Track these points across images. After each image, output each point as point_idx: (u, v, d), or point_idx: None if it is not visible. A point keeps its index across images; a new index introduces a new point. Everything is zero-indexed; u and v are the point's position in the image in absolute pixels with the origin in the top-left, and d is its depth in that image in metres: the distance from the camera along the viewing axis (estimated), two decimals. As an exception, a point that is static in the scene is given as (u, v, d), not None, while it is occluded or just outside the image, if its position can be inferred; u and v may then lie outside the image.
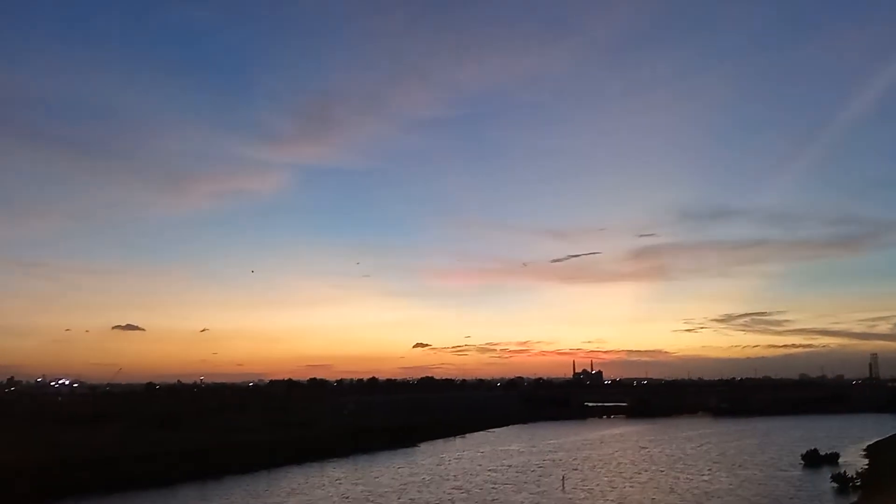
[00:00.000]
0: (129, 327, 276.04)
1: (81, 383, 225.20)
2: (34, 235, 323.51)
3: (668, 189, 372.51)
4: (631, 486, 51.27)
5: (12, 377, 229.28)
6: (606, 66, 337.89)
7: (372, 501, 45.58)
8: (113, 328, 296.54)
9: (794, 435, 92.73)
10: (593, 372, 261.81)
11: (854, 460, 62.38)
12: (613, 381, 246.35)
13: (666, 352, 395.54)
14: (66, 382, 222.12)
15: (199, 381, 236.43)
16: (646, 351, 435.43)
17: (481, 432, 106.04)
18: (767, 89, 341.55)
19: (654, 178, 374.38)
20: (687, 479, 54.90)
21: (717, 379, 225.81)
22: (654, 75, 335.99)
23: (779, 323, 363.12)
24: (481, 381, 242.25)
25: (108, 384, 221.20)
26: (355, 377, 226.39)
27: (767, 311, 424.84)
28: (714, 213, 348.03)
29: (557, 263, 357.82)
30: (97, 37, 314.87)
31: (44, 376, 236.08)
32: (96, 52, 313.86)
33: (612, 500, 45.22)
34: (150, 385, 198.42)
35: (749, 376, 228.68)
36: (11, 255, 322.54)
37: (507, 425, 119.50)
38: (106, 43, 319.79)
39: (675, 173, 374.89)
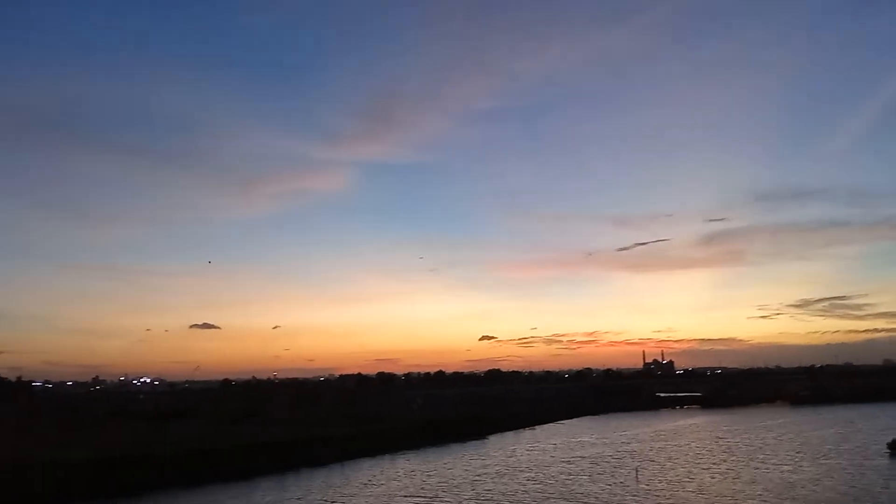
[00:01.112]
0: (206, 326, 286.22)
1: (162, 381, 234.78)
2: (114, 241, 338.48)
3: (739, 170, 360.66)
4: (710, 477, 49.93)
5: (97, 376, 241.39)
6: (670, 46, 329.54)
7: (447, 492, 45.79)
8: (191, 327, 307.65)
9: (878, 423, 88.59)
10: (664, 362, 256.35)
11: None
12: (686, 370, 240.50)
13: (740, 340, 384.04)
14: (148, 380, 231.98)
15: (272, 377, 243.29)
16: (719, 339, 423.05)
17: (550, 424, 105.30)
18: (841, 62, 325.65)
19: (724, 159, 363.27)
20: (768, 469, 53.11)
21: (795, 367, 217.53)
22: (720, 52, 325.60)
23: (860, 307, 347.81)
24: (548, 372, 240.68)
25: (187, 381, 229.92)
26: (422, 370, 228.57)
27: (847, 294, 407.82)
28: (789, 193, 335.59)
29: (624, 252, 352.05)
30: (166, 47, 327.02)
31: (126, 375, 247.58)
32: (166, 62, 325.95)
33: (690, 491, 44.13)
34: (227, 381, 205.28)
35: (829, 363, 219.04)
36: (93, 260, 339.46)
37: (577, 417, 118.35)
38: (174, 53, 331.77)
39: (747, 154, 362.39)
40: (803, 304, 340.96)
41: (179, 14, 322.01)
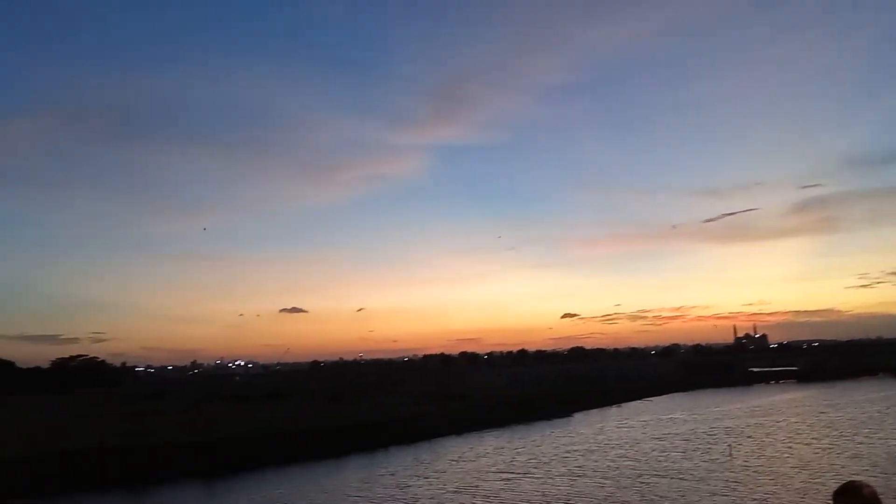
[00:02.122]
0: (295, 310, 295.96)
1: (255, 363, 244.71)
2: (201, 230, 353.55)
3: (832, 134, 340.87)
4: (811, 452, 47.97)
5: (195, 360, 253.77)
6: (749, 8, 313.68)
7: (538, 469, 45.81)
8: (280, 311, 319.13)
9: None
10: (757, 336, 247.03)
11: None
12: (780, 344, 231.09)
13: (838, 311, 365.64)
14: (242, 363, 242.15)
15: (358, 358, 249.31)
16: (815, 311, 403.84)
17: (637, 401, 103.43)
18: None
19: (814, 123, 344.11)
20: (873, 443, 50.50)
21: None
22: (804, 12, 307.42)
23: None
24: (634, 349, 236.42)
25: (278, 363, 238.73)
26: (505, 350, 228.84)
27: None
28: (888, 156, 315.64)
29: (710, 223, 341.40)
30: (246, 42, 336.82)
31: (222, 358, 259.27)
32: (240, 54, 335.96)
33: (791, 467, 42.52)
34: (316, 363, 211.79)
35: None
36: (187, 249, 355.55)
37: (666, 394, 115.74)
38: (253, 47, 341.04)
39: (839, 116, 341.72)
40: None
41: (254, 8, 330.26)
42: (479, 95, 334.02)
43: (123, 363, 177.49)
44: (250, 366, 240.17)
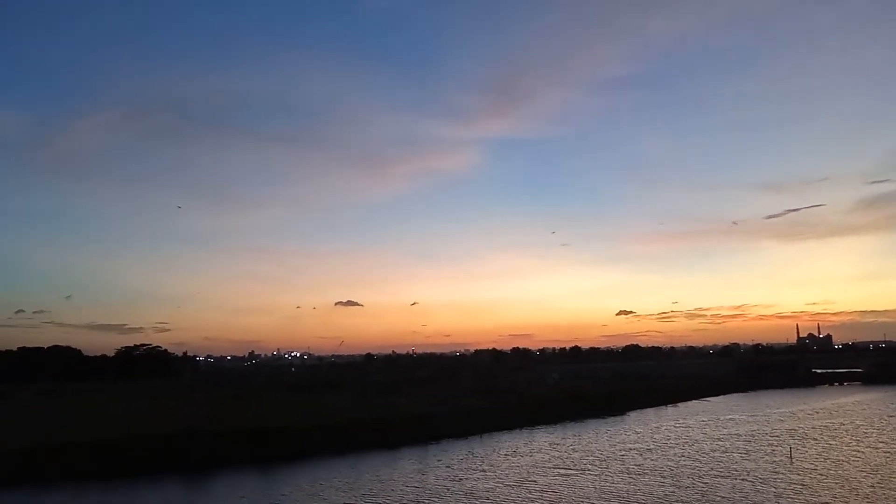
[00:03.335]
0: (350, 303, 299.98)
1: (310, 355, 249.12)
2: (264, 225, 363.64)
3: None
4: (881, 457, 45.99)
5: (252, 351, 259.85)
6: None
7: (596, 466, 45.18)
8: (335, 304, 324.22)
9: None
10: (821, 336, 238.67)
11: None
12: (845, 345, 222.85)
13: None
14: (297, 354, 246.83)
15: (411, 352, 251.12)
16: (883, 311, 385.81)
17: (694, 401, 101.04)
18: None
19: (881, 117, 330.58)
20: (950, 451, 48.14)
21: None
22: (868, 4, 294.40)
23: None
24: (691, 348, 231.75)
25: (333, 355, 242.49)
26: (557, 346, 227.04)
27: None
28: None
29: (773, 220, 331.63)
30: (302, 39, 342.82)
31: (279, 349, 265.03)
32: (294, 49, 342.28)
33: (858, 471, 40.82)
34: (369, 356, 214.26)
35: None
36: (246, 243, 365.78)
37: (724, 394, 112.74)
38: (309, 44, 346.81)
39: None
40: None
41: (310, 5, 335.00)
42: (534, 89, 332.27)
43: (185, 352, 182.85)
44: (306, 357, 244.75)
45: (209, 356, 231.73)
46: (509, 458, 49.58)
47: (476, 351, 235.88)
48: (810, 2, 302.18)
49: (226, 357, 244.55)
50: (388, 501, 36.32)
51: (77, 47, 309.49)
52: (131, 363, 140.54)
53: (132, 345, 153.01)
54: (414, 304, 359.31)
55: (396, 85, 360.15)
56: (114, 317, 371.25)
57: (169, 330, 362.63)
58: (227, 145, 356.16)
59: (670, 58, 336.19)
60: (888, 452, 48.02)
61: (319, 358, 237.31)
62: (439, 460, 48.93)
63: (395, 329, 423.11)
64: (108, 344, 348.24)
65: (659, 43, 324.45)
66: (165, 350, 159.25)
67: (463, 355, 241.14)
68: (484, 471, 44.32)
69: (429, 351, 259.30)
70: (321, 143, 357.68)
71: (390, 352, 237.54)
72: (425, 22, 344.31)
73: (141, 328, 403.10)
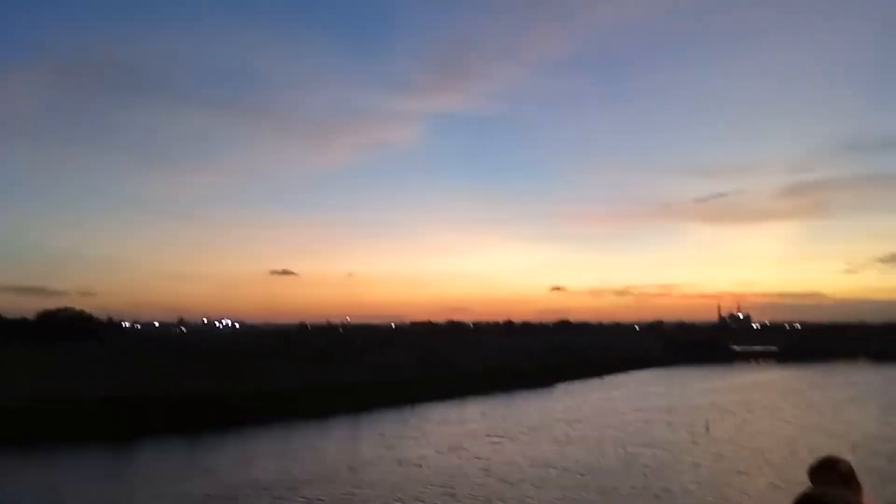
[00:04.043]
0: (285, 272, 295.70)
1: (243, 323, 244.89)
2: (199, 191, 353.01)
3: (826, 120, 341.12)
4: (792, 430, 48.88)
5: (182, 318, 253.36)
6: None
7: (527, 434, 46.34)
8: (271, 273, 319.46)
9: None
10: (741, 315, 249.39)
11: None
12: (763, 325, 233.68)
13: (823, 294, 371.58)
14: (229, 322, 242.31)
15: (346, 322, 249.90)
16: (800, 294, 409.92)
17: (620, 374, 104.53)
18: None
19: (810, 108, 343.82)
20: (852, 423, 51.49)
21: (881, 322, 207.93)
22: (807, 2, 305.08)
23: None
24: (619, 324, 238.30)
25: (266, 324, 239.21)
26: (492, 320, 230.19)
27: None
28: (877, 143, 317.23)
29: (701, 203, 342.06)
30: (247, 4, 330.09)
31: (210, 317, 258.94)
32: (240, 14, 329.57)
33: (773, 442, 43.28)
34: (303, 325, 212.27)
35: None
36: (180, 209, 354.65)
37: (648, 368, 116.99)
38: (254, 8, 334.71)
39: (835, 102, 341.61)
40: (891, 259, 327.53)
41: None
42: (481, 66, 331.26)
43: (110, 318, 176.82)
44: (237, 325, 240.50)
45: (136, 322, 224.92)
46: (441, 427, 50.35)
47: (412, 323, 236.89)
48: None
49: (154, 323, 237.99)
50: (320, 468, 36.38)
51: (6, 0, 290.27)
52: (53, 328, 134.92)
53: (54, 308, 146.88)
54: (351, 274, 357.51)
55: (342, 55, 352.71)
56: (35, 279, 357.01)
57: (94, 295, 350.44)
58: (165, 109, 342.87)
59: (615, 44, 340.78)
60: (798, 426, 50.97)
61: (252, 326, 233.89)
62: (372, 429, 49.22)
63: (330, 299, 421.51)
64: (28, 307, 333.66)
65: (605, 28, 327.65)
66: (90, 315, 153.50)
67: (399, 327, 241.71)
68: (416, 439, 44.87)
69: (365, 322, 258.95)
70: (263, 110, 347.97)
71: (325, 322, 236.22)
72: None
73: (65, 292, 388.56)
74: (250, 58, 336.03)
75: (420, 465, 36.62)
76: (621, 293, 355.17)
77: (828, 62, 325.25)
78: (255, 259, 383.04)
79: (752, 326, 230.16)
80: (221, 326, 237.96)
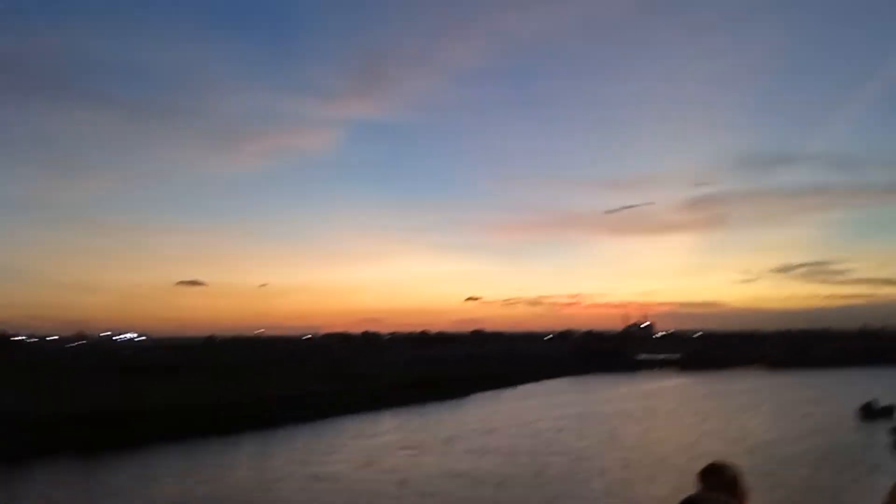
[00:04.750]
0: (193, 283, 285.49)
1: (147, 336, 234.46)
2: (102, 196, 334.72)
3: (725, 135, 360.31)
4: (693, 436, 51.13)
5: (82, 331, 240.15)
6: (661, 11, 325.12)
7: (442, 446, 46.45)
8: (177, 284, 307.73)
9: (852, 387, 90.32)
10: (645, 324, 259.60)
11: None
12: (666, 333, 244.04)
13: (722, 304, 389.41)
14: (132, 336, 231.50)
15: (257, 334, 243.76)
16: (700, 303, 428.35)
17: (533, 384, 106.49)
18: (828, 29, 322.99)
19: (711, 124, 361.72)
20: (748, 429, 54.44)
21: (774, 331, 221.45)
22: (711, 18, 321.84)
23: (840, 272, 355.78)
24: (531, 333, 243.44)
25: (171, 337, 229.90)
26: (407, 330, 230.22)
27: (827, 260, 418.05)
28: (774, 159, 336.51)
29: (610, 214, 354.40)
30: (154, 1, 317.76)
31: (111, 330, 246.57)
32: (154, 14, 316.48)
33: (674, 448, 45.16)
34: (211, 338, 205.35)
35: (808, 327, 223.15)
36: (79, 215, 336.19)
37: (559, 377, 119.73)
38: (163, 4, 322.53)
39: (734, 119, 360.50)
40: (784, 269, 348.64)
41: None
42: (397, 74, 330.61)
43: (3, 332, 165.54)
44: (142, 339, 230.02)
45: (32, 336, 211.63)
46: (356, 440, 49.81)
47: (325, 334, 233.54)
48: (656, 14, 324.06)
49: (51, 337, 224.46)
50: (228, 487, 35.23)
51: None
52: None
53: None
54: (263, 285, 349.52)
55: (255, 57, 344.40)
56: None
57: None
58: (64, 108, 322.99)
59: (530, 56, 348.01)
60: (699, 432, 53.41)
61: (156, 340, 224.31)
62: (284, 445, 48.13)
63: (241, 311, 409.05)
64: None
65: (518, 40, 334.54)
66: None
67: (312, 338, 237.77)
68: (330, 453, 44.20)
69: (277, 334, 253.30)
70: (171, 112, 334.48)
71: (235, 334, 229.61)
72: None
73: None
74: (159, 57, 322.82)
75: (335, 481, 36.08)
76: (534, 303, 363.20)
77: (729, 77, 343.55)
78: (161, 269, 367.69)
79: (656, 335, 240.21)
80: (124, 340, 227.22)
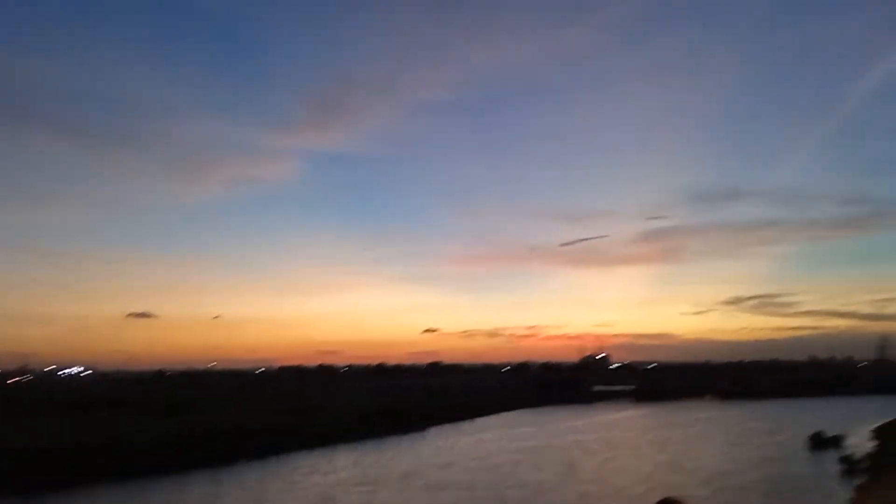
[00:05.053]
0: (144, 315, 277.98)
1: (94, 370, 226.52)
2: (51, 224, 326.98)
3: (678, 171, 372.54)
4: (649, 467, 51.39)
5: (26, 364, 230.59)
6: (619, 47, 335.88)
7: (400, 482, 45.60)
8: (128, 315, 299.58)
9: (801, 417, 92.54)
10: (601, 356, 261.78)
11: (861, 442, 61.93)
12: (621, 364, 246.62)
13: (674, 335, 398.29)
14: (79, 369, 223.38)
15: (210, 367, 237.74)
16: (654, 334, 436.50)
17: (491, 416, 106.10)
18: (779, 69, 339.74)
19: (665, 159, 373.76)
20: (702, 459, 54.98)
21: (725, 362, 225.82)
22: (667, 56, 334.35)
23: (788, 305, 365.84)
24: (489, 365, 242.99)
25: (119, 371, 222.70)
26: (364, 363, 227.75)
27: (777, 293, 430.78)
28: (724, 194, 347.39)
29: (567, 247, 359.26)
30: (113, 25, 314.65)
31: (57, 364, 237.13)
32: (104, 38, 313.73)
33: (632, 480, 45.24)
34: (160, 372, 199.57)
35: (758, 359, 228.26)
36: (28, 243, 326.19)
37: (516, 409, 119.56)
38: (121, 31, 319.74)
39: (687, 155, 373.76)
40: (735, 302, 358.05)
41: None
42: (359, 105, 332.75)
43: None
44: (89, 372, 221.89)
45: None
46: (311, 477, 48.62)
47: (280, 367, 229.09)
48: (613, 52, 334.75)
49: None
50: (177, 528, 33.92)
51: None
52: None
53: None
54: (217, 317, 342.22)
55: (215, 85, 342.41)
56: None
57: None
58: (15, 134, 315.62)
59: (490, 89, 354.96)
60: (654, 463, 53.73)
61: (104, 374, 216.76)
62: (236, 483, 46.64)
63: (193, 343, 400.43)
64: None
65: (480, 73, 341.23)
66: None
67: (267, 371, 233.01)
68: (284, 491, 43.02)
69: (231, 367, 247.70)
70: (126, 139, 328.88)
71: (187, 367, 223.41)
72: (253, 24, 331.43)
73: None
74: (116, 82, 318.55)
75: (288, 520, 35.06)
76: (491, 334, 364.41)
77: (684, 113, 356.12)
78: (111, 300, 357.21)
79: (612, 366, 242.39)
80: (71, 374, 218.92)
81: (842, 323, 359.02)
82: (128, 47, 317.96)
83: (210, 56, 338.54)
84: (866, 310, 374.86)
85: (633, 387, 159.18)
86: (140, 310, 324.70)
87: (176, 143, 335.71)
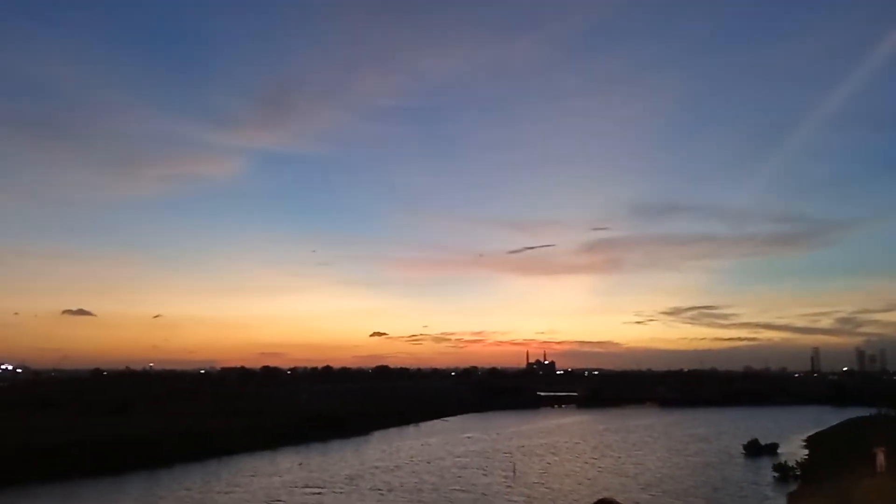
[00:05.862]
0: (80, 312, 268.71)
1: (26, 368, 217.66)
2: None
3: (622, 183, 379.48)
4: (592, 470, 52.27)
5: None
6: (565, 61, 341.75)
7: (346, 485, 45.20)
8: (63, 313, 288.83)
9: (737, 425, 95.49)
10: (546, 362, 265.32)
11: (794, 450, 64.08)
12: (565, 371, 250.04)
13: (617, 343, 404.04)
14: (9, 367, 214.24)
15: (148, 367, 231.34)
16: (597, 342, 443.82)
17: (437, 420, 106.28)
18: (718, 89, 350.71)
19: (609, 172, 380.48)
20: (643, 464, 56.16)
21: (665, 370, 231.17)
22: (611, 71, 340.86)
23: (725, 316, 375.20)
24: (436, 370, 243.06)
25: (53, 370, 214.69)
26: (310, 365, 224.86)
27: (714, 304, 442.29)
28: (665, 208, 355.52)
29: (514, 255, 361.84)
30: (48, 13, 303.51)
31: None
32: (47, 28, 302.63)
33: (576, 483, 45.92)
34: (97, 371, 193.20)
35: (696, 368, 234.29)
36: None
37: (462, 414, 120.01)
38: (57, 19, 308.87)
39: (630, 168, 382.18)
40: (674, 312, 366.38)
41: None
42: (306, 106, 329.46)
43: None
44: (19, 371, 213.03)
45: None
46: (255, 479, 47.77)
47: (223, 368, 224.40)
48: (559, 66, 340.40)
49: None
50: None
51: None
52: None
53: None
54: (157, 316, 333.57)
55: (160, 82, 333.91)
56: None
57: None
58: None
59: (438, 97, 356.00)
60: (597, 467, 54.65)
61: (36, 372, 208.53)
62: (176, 486, 45.45)
63: (132, 343, 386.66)
64: None
65: (429, 80, 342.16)
66: None
67: (208, 373, 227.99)
68: (227, 493, 42.16)
69: (170, 367, 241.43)
70: (64, 132, 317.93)
71: (124, 367, 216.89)
72: (201, 24, 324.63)
73: None
74: (53, 73, 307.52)
75: (230, 523, 34.39)
76: (439, 339, 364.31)
77: (629, 127, 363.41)
78: (45, 297, 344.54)
79: (556, 372, 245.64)
80: (2, 371, 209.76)
81: (776, 335, 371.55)
82: (72, 42, 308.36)
83: (156, 54, 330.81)
84: (800, 323, 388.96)
85: (576, 393, 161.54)
86: (77, 307, 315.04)
87: (119, 140, 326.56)
